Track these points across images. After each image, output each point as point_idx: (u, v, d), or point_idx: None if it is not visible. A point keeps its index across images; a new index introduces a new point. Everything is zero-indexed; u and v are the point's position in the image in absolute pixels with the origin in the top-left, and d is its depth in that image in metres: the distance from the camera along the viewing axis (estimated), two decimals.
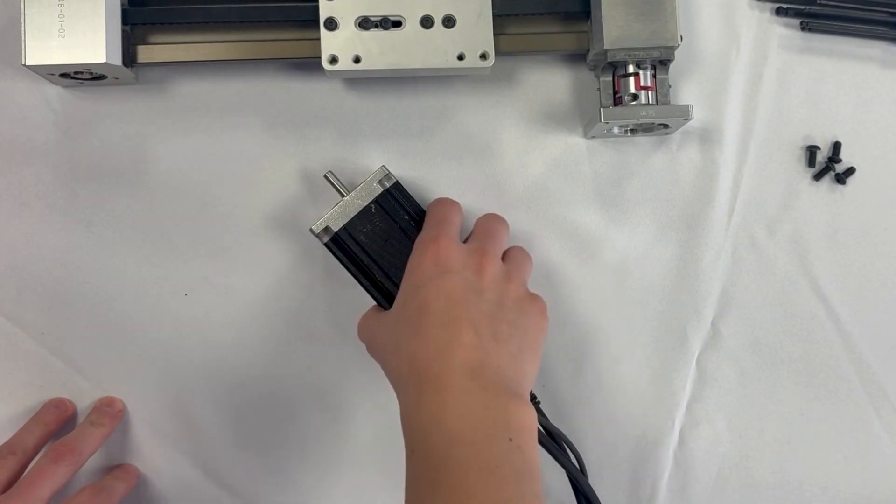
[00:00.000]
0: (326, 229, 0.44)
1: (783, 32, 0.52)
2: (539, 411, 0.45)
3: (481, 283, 0.41)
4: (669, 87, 0.48)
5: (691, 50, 0.51)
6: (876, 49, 0.52)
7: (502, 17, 0.47)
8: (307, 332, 0.50)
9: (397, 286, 0.44)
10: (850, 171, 0.51)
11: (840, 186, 0.51)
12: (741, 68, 0.51)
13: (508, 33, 0.48)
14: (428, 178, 0.50)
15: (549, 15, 0.48)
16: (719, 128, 0.51)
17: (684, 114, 0.46)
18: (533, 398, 0.46)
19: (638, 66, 0.47)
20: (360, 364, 0.49)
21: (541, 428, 0.45)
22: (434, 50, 0.45)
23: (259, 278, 0.49)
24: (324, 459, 0.50)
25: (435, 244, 0.42)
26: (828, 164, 0.51)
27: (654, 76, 0.47)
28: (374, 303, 0.46)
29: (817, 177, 0.51)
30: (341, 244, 0.45)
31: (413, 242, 0.45)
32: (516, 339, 0.40)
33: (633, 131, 0.50)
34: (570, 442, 0.46)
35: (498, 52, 0.46)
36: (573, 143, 0.51)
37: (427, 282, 0.41)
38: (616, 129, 0.49)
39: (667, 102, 0.48)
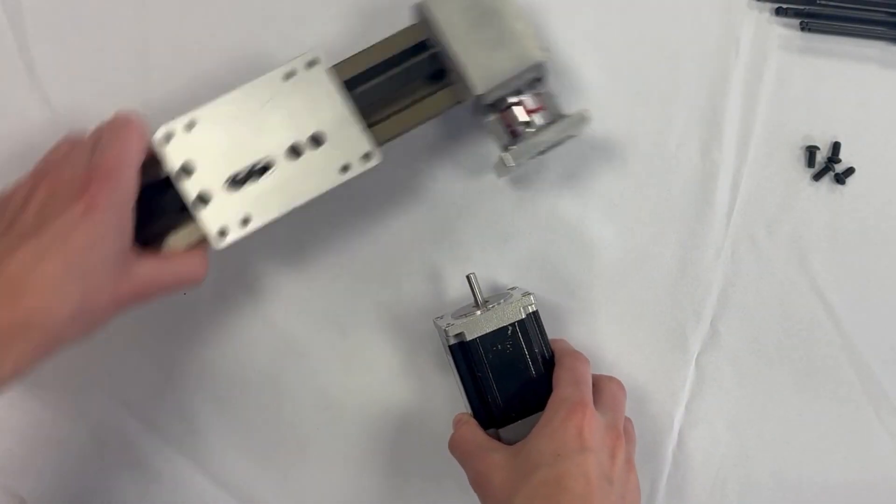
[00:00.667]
0: (459, 334, 0.44)
1: (783, 32, 0.52)
2: None
3: (612, 471, 0.41)
4: (554, 97, 0.46)
5: (691, 50, 0.51)
6: (875, 49, 0.52)
7: (369, 106, 0.44)
8: (304, 330, 0.50)
9: (503, 411, 0.44)
10: (850, 171, 0.51)
11: (840, 186, 0.51)
12: (741, 68, 0.51)
13: (382, 119, 0.44)
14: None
15: (411, 84, 0.45)
16: (719, 128, 0.51)
17: (582, 121, 0.44)
18: None
19: (518, 93, 0.44)
20: (360, 363, 0.50)
21: None
22: (316, 174, 0.42)
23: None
24: (323, 459, 0.50)
25: (581, 413, 0.41)
26: (827, 164, 0.51)
27: (537, 94, 0.45)
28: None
29: (817, 177, 0.51)
30: (467, 352, 0.44)
31: (535, 376, 0.44)
32: None
33: (541, 152, 0.47)
34: None
35: (381, 143, 0.43)
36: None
37: (569, 454, 0.40)
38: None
39: (560, 115, 0.45)
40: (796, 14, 0.51)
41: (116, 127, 0.40)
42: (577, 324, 0.50)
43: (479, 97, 0.43)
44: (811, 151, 0.51)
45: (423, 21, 0.44)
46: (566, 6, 0.51)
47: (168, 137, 0.41)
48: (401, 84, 0.45)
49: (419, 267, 0.50)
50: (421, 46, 0.44)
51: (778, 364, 0.51)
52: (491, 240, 0.50)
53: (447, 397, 0.49)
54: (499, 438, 0.44)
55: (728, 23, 0.51)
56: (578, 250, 0.50)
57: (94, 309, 0.38)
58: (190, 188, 0.41)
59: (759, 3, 0.52)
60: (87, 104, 0.49)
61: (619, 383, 0.46)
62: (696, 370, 0.51)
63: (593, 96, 0.51)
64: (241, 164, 0.41)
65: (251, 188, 0.41)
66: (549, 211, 0.51)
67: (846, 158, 0.51)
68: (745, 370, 0.51)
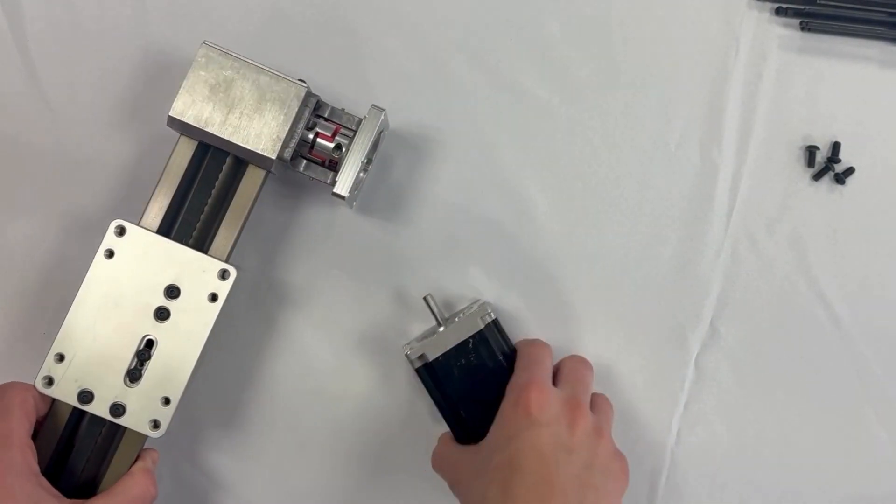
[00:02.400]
0: (422, 356, 0.44)
1: (783, 32, 0.52)
2: None
3: (572, 441, 0.40)
4: (339, 109, 0.45)
5: (691, 50, 0.51)
6: (875, 49, 0.52)
7: (195, 231, 0.44)
8: (304, 332, 0.50)
9: (480, 424, 0.44)
10: (850, 171, 0.51)
11: (839, 186, 0.51)
12: (741, 68, 0.51)
13: (213, 234, 0.44)
14: None
15: (215, 187, 0.44)
16: (719, 128, 0.51)
17: (380, 113, 0.43)
18: None
19: (311, 128, 0.44)
20: (359, 361, 0.50)
21: None
22: (194, 319, 0.43)
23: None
24: (322, 458, 0.50)
25: (527, 391, 0.41)
26: (827, 164, 0.51)
27: (326, 119, 0.45)
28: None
29: (817, 177, 0.51)
30: (433, 373, 0.45)
31: (503, 382, 0.44)
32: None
33: (368, 162, 0.46)
34: None
35: (228, 254, 0.44)
36: None
37: (518, 433, 0.40)
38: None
39: (357, 118, 0.44)
40: (796, 14, 0.51)
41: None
42: (576, 324, 0.50)
43: (279, 159, 0.43)
44: (811, 151, 0.51)
45: (185, 126, 0.42)
46: (567, 6, 0.51)
47: (50, 381, 0.42)
48: (206, 194, 0.44)
49: (420, 274, 0.50)
50: (201, 149, 0.44)
51: (778, 364, 0.51)
52: (490, 242, 0.50)
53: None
54: None
55: (728, 23, 0.51)
56: (578, 251, 0.50)
57: None
58: (99, 409, 0.42)
59: (759, 3, 0.52)
60: (87, 104, 0.49)
61: (580, 359, 0.46)
62: (696, 370, 0.51)
63: (593, 96, 0.51)
64: (128, 357, 0.42)
65: (151, 369, 0.42)
66: (548, 212, 0.51)
67: (846, 158, 0.51)
68: (745, 370, 0.51)
